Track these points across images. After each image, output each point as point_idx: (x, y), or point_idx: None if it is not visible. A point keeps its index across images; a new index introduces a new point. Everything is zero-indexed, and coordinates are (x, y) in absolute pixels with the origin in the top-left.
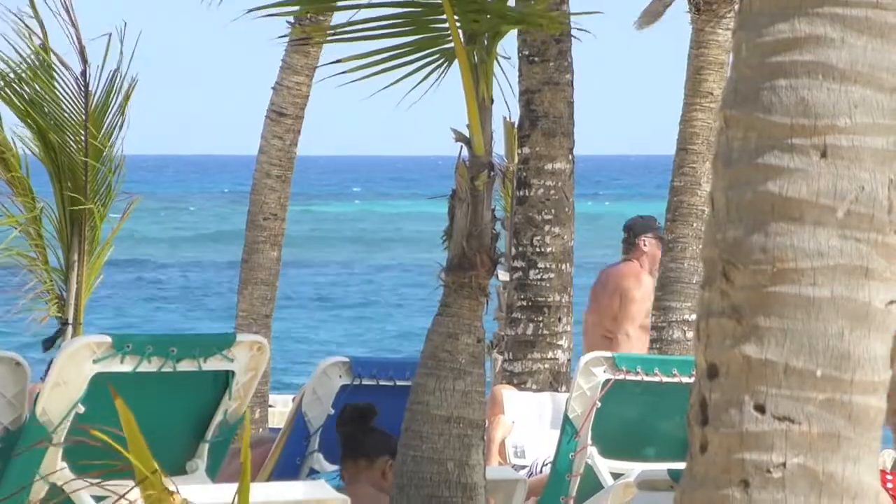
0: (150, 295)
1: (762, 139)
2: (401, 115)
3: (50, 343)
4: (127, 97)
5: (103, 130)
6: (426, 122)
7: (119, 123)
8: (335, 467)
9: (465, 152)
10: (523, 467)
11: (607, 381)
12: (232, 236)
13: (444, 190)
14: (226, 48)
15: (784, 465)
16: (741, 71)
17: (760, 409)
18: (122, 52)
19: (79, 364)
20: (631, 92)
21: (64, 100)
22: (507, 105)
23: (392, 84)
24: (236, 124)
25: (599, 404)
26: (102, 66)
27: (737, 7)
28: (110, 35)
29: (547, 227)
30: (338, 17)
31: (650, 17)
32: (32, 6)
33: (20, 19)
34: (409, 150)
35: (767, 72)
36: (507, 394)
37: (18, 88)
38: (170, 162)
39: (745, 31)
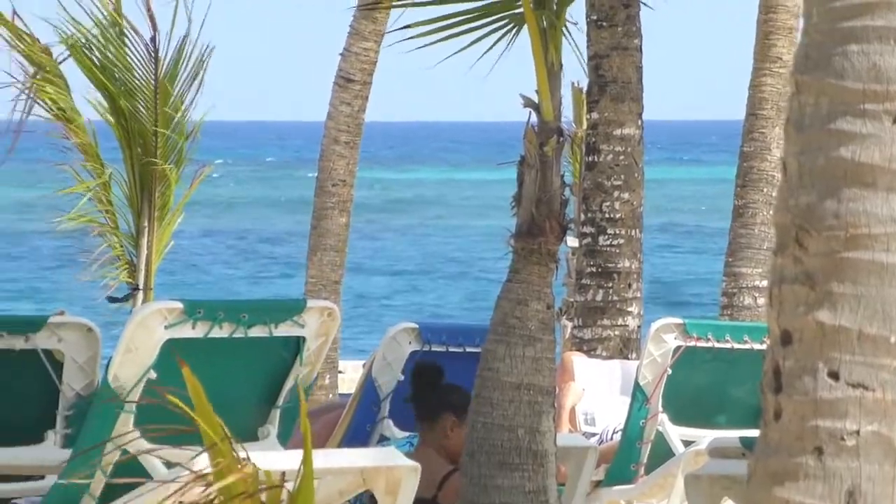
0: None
1: (834, 104)
2: (468, 81)
3: (116, 300)
4: (200, 63)
5: (173, 97)
6: (493, 87)
7: (196, 89)
8: (406, 434)
9: (534, 118)
10: (593, 434)
11: (678, 347)
12: (293, 204)
13: (512, 156)
14: (296, 14)
15: (858, 432)
16: (812, 36)
17: (834, 375)
18: (190, 19)
19: (150, 330)
20: (699, 56)
21: (135, 66)
22: (582, 67)
23: (461, 50)
24: (306, 91)
25: (670, 371)
26: (171, 33)
27: None
28: (178, 1)
29: (616, 193)
30: None
31: None
32: None
33: None
34: (477, 115)
35: (839, 37)
36: (578, 360)
37: (89, 54)
38: (240, 128)
39: None
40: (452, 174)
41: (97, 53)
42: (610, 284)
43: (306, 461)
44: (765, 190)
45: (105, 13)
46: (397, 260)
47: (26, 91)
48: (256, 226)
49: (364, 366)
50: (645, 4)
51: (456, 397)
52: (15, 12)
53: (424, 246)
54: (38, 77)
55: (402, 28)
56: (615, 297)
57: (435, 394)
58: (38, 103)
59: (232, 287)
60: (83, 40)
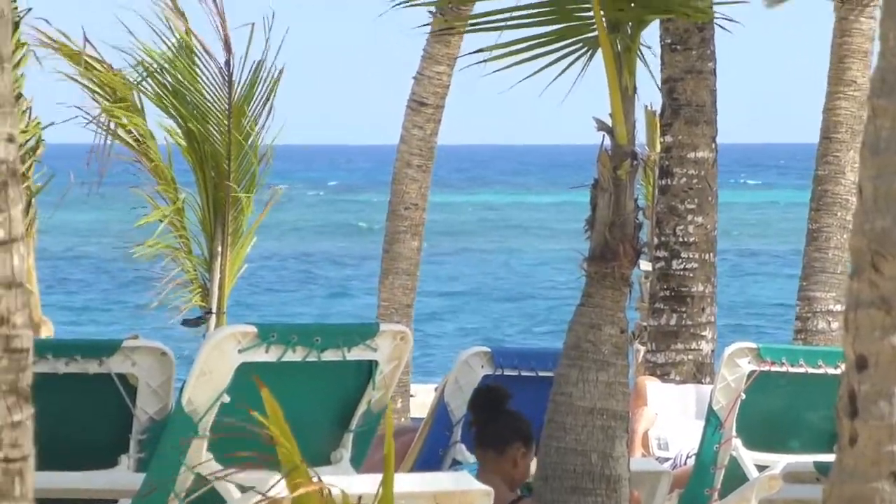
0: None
1: None
2: (542, 104)
3: (189, 323)
4: (273, 87)
5: (247, 120)
6: (567, 110)
7: (267, 113)
8: None
9: (608, 141)
10: (667, 459)
11: (752, 372)
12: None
13: (586, 179)
14: (370, 38)
15: None
16: (889, 60)
17: None
18: (267, 43)
19: (224, 354)
20: (772, 78)
21: (207, 89)
22: (656, 90)
23: (534, 73)
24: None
25: (744, 396)
26: (246, 56)
27: None
28: (253, 25)
29: (690, 217)
30: (479, 7)
31: None
32: None
33: (166, 5)
34: (550, 138)
35: None
36: (651, 385)
37: (161, 78)
38: (303, 151)
39: (893, 19)
40: (527, 196)
41: (169, 78)
42: (683, 308)
43: (387, 483)
44: (839, 214)
45: (178, 37)
46: (469, 283)
47: (105, 119)
48: (322, 248)
49: (436, 390)
50: (721, 27)
51: (525, 426)
52: (87, 40)
53: (498, 269)
54: (116, 104)
55: (475, 52)
56: (689, 322)
57: (502, 420)
58: (118, 133)
59: (300, 310)
60: (156, 65)
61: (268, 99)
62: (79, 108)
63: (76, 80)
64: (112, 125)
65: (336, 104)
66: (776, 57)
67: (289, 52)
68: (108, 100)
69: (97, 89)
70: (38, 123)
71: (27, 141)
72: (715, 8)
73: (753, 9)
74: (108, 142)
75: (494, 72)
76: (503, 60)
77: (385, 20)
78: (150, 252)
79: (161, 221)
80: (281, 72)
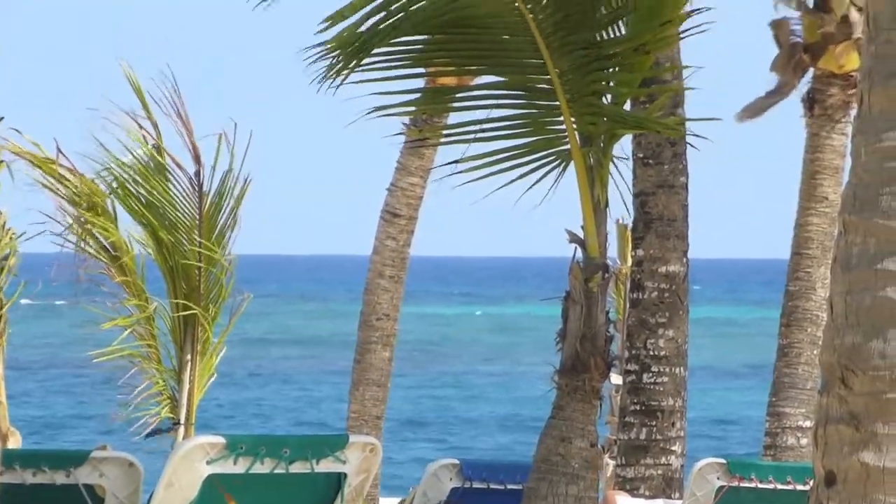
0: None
1: (881, 244)
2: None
3: (157, 433)
4: (240, 197)
5: (217, 231)
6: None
7: (231, 224)
8: None
9: (580, 254)
10: None
11: (721, 487)
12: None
13: (556, 292)
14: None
15: None
16: (860, 176)
17: None
18: (233, 153)
19: (192, 465)
20: (743, 193)
21: (178, 200)
22: (627, 204)
23: (507, 185)
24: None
25: None
26: (214, 167)
27: (854, 111)
28: (222, 135)
29: (660, 330)
30: (453, 118)
31: (753, 111)
32: (145, 107)
33: (135, 120)
34: (521, 250)
35: (887, 177)
36: (620, 500)
37: (133, 189)
38: (279, 262)
39: (864, 136)
40: (497, 308)
41: (142, 189)
42: (653, 423)
43: None
44: (809, 329)
45: (145, 151)
46: (440, 394)
47: (77, 228)
48: (292, 356)
49: (403, 502)
50: (691, 145)
51: None
52: (59, 150)
53: (467, 380)
54: (89, 213)
55: (448, 163)
56: (658, 436)
57: None
58: (87, 246)
59: (270, 421)
60: (126, 177)
61: (234, 210)
62: (50, 216)
63: (49, 188)
64: (83, 235)
65: (306, 214)
66: (747, 171)
67: (257, 160)
68: (81, 208)
69: (70, 198)
70: (13, 235)
71: (3, 254)
72: (687, 124)
73: (726, 124)
74: (78, 251)
75: (467, 182)
76: (476, 172)
77: (356, 130)
78: (115, 358)
79: (126, 329)
80: (248, 181)
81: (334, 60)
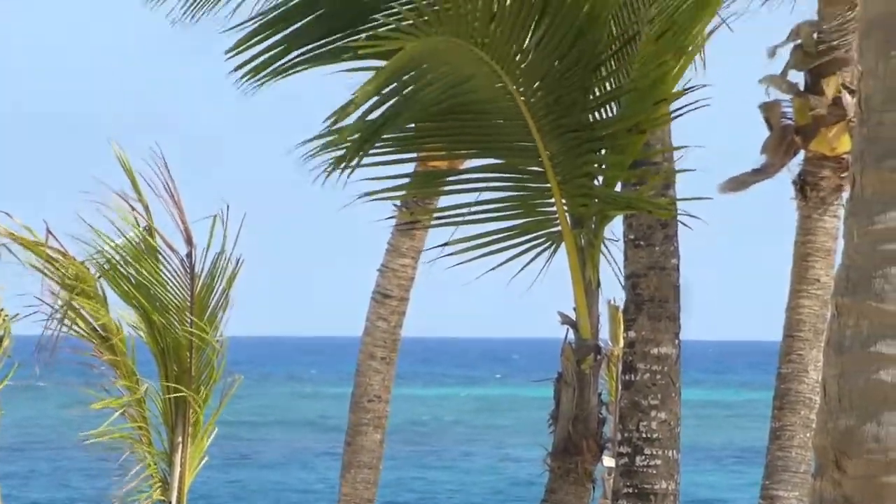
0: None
1: (874, 327)
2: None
3: None
4: (232, 279)
5: (208, 311)
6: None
7: (223, 305)
8: None
9: (571, 335)
10: None
11: None
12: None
13: (548, 373)
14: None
15: None
16: (852, 258)
17: None
18: (225, 234)
19: None
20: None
21: (169, 282)
22: (619, 284)
23: (498, 266)
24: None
25: None
26: (207, 249)
27: (846, 194)
28: (215, 217)
29: (653, 413)
30: (444, 200)
31: (736, 185)
32: (136, 189)
33: (126, 201)
34: (512, 332)
35: (879, 259)
36: None
37: (124, 271)
38: (270, 343)
39: (857, 218)
40: (488, 390)
41: (132, 270)
42: None
43: None
44: (802, 412)
45: (136, 233)
46: (430, 477)
47: (63, 311)
48: (282, 440)
49: None
50: (683, 224)
51: None
52: (49, 232)
53: (457, 464)
54: (74, 295)
55: (440, 245)
56: None
57: None
58: (74, 326)
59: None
60: (117, 258)
61: (226, 291)
62: (40, 299)
63: (40, 271)
64: (72, 316)
65: (297, 294)
66: (739, 253)
67: (249, 242)
68: (70, 291)
69: (61, 281)
70: (6, 317)
71: None
72: (678, 204)
73: (717, 204)
74: (66, 332)
75: (458, 264)
76: (467, 253)
77: (347, 211)
78: (105, 440)
79: (116, 410)
80: (240, 262)
81: (341, 153)
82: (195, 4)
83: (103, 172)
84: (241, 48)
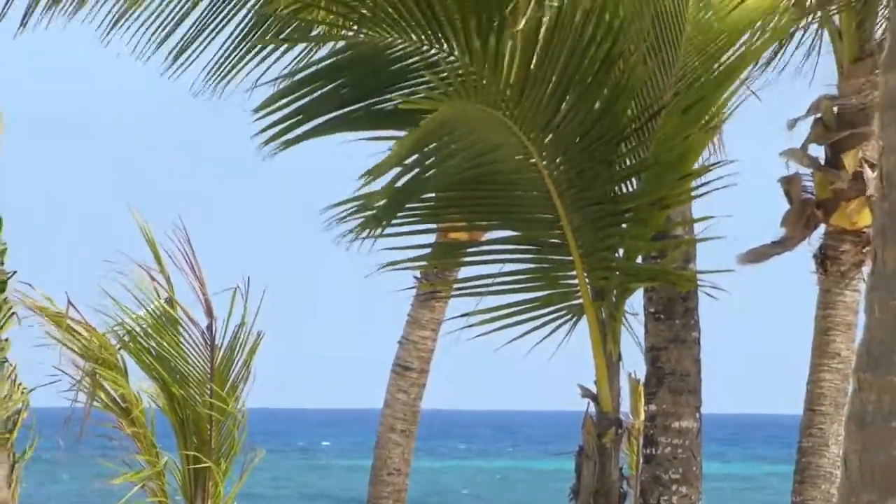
0: None
1: None
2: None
3: None
4: (253, 350)
5: (229, 383)
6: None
7: (244, 376)
8: None
9: (592, 408)
10: None
11: None
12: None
13: (569, 446)
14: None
15: None
16: (874, 333)
17: None
18: (246, 307)
19: None
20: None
21: (189, 354)
22: (640, 357)
23: (519, 337)
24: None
25: None
26: (228, 321)
27: (867, 268)
28: (236, 289)
29: (674, 487)
30: (464, 272)
31: (755, 256)
32: (158, 261)
33: (148, 273)
34: (534, 404)
35: None
36: None
37: (145, 343)
38: (289, 415)
39: (878, 293)
40: (509, 463)
41: (152, 343)
42: None
43: None
44: (823, 487)
45: (157, 305)
46: None
47: (86, 383)
48: None
49: None
50: (708, 294)
51: None
52: (70, 303)
53: None
54: (97, 366)
55: (460, 316)
56: None
57: None
58: (99, 395)
59: None
60: (137, 330)
61: (247, 363)
62: (61, 370)
63: (61, 342)
64: (93, 389)
65: (318, 366)
66: (760, 326)
67: (269, 313)
68: (94, 362)
69: (81, 352)
70: (24, 389)
71: (15, 409)
72: (699, 276)
73: (739, 276)
74: (89, 405)
75: (478, 336)
76: (488, 325)
77: (368, 281)
78: None
79: (136, 484)
80: (261, 335)
81: (369, 218)
82: (218, 73)
83: (124, 234)
84: (265, 110)
